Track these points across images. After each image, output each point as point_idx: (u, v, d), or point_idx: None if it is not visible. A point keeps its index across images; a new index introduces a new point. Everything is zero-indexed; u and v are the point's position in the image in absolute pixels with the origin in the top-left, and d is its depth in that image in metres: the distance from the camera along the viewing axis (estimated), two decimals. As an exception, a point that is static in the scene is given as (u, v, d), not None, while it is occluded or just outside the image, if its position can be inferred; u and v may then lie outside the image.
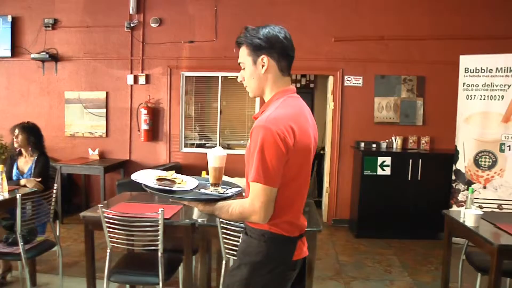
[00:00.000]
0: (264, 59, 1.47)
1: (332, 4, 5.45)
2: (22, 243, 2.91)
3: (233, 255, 2.45)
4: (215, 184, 1.62)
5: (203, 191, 1.61)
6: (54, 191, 3.30)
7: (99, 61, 5.90)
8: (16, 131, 3.66)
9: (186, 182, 1.69)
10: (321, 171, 6.34)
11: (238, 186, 1.65)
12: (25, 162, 3.66)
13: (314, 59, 5.41)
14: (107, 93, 5.89)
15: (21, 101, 6.18)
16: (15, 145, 3.67)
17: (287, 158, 1.37)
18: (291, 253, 1.49)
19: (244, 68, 1.53)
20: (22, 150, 3.70)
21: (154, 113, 5.75)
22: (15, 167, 3.65)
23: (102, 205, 2.51)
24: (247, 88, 1.54)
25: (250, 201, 1.40)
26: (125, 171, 5.79)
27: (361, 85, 5.46)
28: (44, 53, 5.90)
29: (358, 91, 5.47)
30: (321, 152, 6.19)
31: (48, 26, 5.93)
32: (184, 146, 5.88)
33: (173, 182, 1.65)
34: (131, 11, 5.67)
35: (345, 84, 5.48)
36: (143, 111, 5.64)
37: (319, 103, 7.38)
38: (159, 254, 2.52)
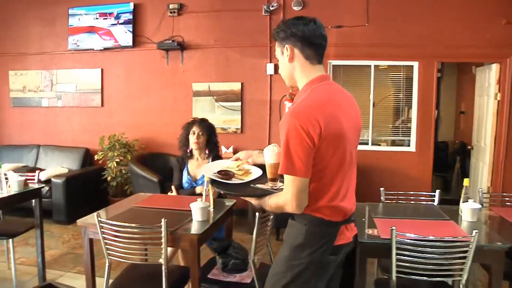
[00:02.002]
0: (288, 48, 1.61)
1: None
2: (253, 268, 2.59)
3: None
4: (273, 180, 1.78)
5: (259, 186, 1.77)
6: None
7: (231, 49, 5.70)
8: (197, 129, 3.43)
9: (251, 174, 1.91)
10: (466, 168, 6.17)
11: None
12: (198, 166, 3.42)
13: (471, 45, 5.14)
14: (242, 84, 5.69)
15: (142, 95, 6.07)
16: (193, 146, 3.46)
17: (315, 149, 1.47)
18: (332, 237, 1.59)
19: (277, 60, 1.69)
20: (194, 151, 3.50)
21: (299, 106, 5.55)
22: (185, 172, 3.43)
23: (98, 213, 2.44)
24: (283, 78, 1.72)
25: (283, 192, 1.55)
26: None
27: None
28: (170, 41, 5.69)
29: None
30: (469, 148, 6.01)
31: (173, 12, 5.74)
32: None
33: (230, 176, 1.88)
34: (270, -7, 5.45)
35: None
36: (288, 104, 5.43)
37: (448, 93, 7.19)
38: (163, 268, 2.37)
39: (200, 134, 3.41)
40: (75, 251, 4.44)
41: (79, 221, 2.65)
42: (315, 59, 1.62)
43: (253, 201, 1.71)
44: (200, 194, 3.08)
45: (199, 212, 2.51)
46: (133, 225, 2.39)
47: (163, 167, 5.48)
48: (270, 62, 5.61)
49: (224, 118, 5.74)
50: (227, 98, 5.72)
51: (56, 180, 5.32)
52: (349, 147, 1.59)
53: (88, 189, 5.69)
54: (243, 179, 1.90)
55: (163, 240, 2.36)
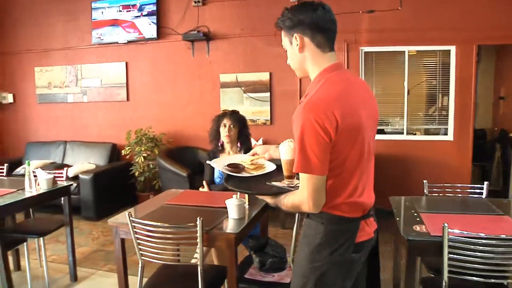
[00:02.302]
0: (297, 37, 1.52)
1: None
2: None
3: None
4: (289, 177, 1.73)
5: (275, 183, 1.73)
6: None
7: (259, 38, 5.58)
8: (228, 122, 3.35)
9: (263, 169, 1.90)
10: (507, 156, 5.89)
11: None
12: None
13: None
14: (270, 74, 5.56)
15: (168, 87, 6.03)
16: (224, 139, 3.38)
17: (332, 144, 1.40)
18: (352, 234, 1.52)
19: (286, 51, 1.61)
20: (226, 145, 3.42)
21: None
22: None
23: (129, 212, 2.34)
24: (294, 70, 1.62)
25: (299, 191, 1.48)
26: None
27: None
28: (195, 32, 5.60)
29: None
30: (511, 135, 5.73)
31: (198, 2, 5.65)
32: (363, 132, 5.50)
33: (240, 169, 1.91)
34: (297, -21, 5.29)
35: None
36: None
37: (485, 78, 6.88)
38: (199, 269, 2.27)
39: (232, 126, 3.34)
40: (105, 248, 4.44)
41: (110, 221, 2.59)
42: (326, 46, 1.55)
43: (268, 199, 1.68)
44: (233, 190, 2.99)
45: (235, 209, 2.44)
46: (166, 225, 2.30)
47: (191, 161, 5.45)
48: (299, 50, 5.42)
49: (253, 109, 5.65)
50: (256, 89, 5.62)
51: (83, 176, 5.33)
52: (367, 139, 1.53)
53: (115, 184, 5.70)
54: (252, 173, 1.91)
55: (198, 240, 2.28)
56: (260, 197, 1.75)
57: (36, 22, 6.53)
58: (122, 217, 2.54)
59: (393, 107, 5.54)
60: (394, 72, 5.44)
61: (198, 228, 2.27)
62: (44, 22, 6.49)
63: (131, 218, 2.37)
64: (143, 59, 6.04)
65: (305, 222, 1.61)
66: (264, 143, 5.62)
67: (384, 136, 5.48)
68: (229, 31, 5.67)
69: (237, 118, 3.40)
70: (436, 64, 5.27)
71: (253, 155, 2.03)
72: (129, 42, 6.00)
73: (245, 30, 5.60)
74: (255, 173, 1.92)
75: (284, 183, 1.74)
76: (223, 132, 3.35)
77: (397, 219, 2.58)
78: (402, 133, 5.40)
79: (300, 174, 1.47)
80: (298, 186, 1.57)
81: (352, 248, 1.53)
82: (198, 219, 2.26)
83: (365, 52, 5.42)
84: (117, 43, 6.06)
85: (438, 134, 5.39)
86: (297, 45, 1.55)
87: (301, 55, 1.56)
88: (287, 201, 1.57)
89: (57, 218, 3.85)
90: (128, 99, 6.18)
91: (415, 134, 5.48)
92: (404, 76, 5.32)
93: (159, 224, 2.30)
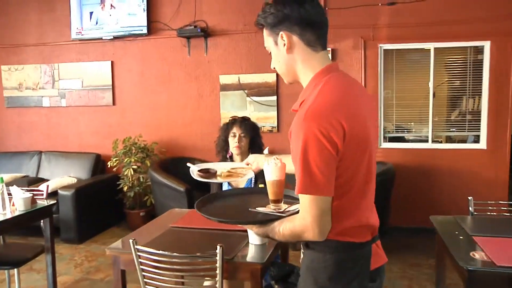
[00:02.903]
0: (283, 36, 1.45)
1: None
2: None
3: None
4: (275, 201, 1.68)
5: (260, 209, 1.68)
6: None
7: (264, 35, 5.41)
8: (238, 131, 3.25)
9: (238, 177, 1.96)
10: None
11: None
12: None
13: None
14: (277, 75, 5.37)
15: (160, 90, 5.90)
16: (234, 150, 3.27)
17: (338, 158, 1.34)
18: (366, 261, 1.46)
19: (270, 53, 1.54)
20: (236, 157, 3.32)
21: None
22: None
23: (133, 240, 2.18)
24: (281, 75, 1.56)
25: (300, 216, 1.40)
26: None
27: None
28: (191, 27, 5.49)
29: None
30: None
31: (195, -7, 5.48)
32: (384, 141, 5.40)
33: (211, 174, 1.98)
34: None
35: None
36: None
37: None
38: None
39: (242, 136, 3.24)
40: (90, 277, 4.23)
41: (109, 249, 2.42)
42: (318, 44, 1.48)
43: (254, 229, 1.60)
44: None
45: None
46: (183, 255, 2.14)
47: (188, 174, 5.17)
48: (310, 48, 5.30)
49: (258, 115, 5.54)
50: (261, 92, 5.52)
51: (63, 192, 5.14)
52: (373, 149, 1.49)
53: (101, 201, 5.55)
54: (219, 180, 2.01)
55: (218, 272, 2.14)
56: (245, 226, 1.68)
57: (4, 12, 6.29)
58: (123, 244, 2.42)
59: (416, 111, 5.43)
60: (418, 72, 5.34)
61: (218, 258, 2.12)
62: (14, 12, 6.26)
63: (135, 247, 2.21)
64: (132, 57, 5.90)
65: (305, 254, 1.53)
66: (270, 153, 5.49)
67: (405, 145, 5.37)
68: (230, 26, 5.55)
69: (248, 127, 3.30)
70: (466, 62, 5.15)
71: (247, 164, 2.04)
72: (115, 38, 5.86)
73: (248, 25, 5.47)
74: (223, 180, 2.01)
75: (269, 208, 1.68)
76: (232, 142, 3.25)
77: (446, 242, 2.42)
78: (427, 140, 5.28)
79: (301, 196, 1.38)
80: (289, 211, 1.55)
81: (368, 277, 1.47)
82: (218, 247, 2.10)
83: (384, 49, 5.31)
84: (101, 39, 5.90)
85: (465, 141, 5.26)
86: (284, 45, 1.47)
87: (289, 57, 1.49)
88: (283, 229, 1.48)
89: (34, 243, 3.64)
90: (114, 103, 6.04)
91: (440, 142, 5.35)
92: (429, 76, 5.22)
93: (174, 254, 2.14)
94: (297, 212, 1.49)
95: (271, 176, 1.69)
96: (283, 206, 1.67)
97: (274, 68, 1.57)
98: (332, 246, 1.44)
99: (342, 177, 1.38)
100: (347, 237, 1.44)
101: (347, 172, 1.38)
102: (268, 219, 1.57)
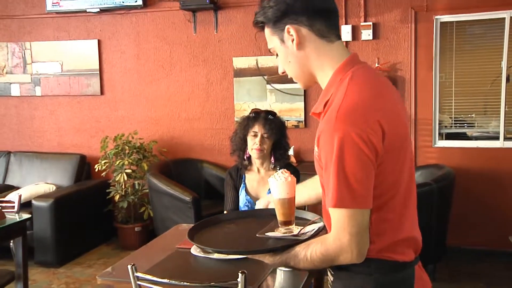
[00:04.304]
0: (290, 30, 1.51)
1: None
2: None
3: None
4: (285, 223, 1.73)
5: (270, 234, 1.71)
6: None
7: (288, 6, 5.41)
8: (261, 130, 3.27)
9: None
10: None
11: (317, 220, 1.75)
12: (260, 182, 3.37)
13: None
14: None
15: (160, 76, 5.94)
16: (253, 154, 3.31)
17: (378, 164, 1.39)
18: (410, 285, 1.51)
19: (277, 55, 1.60)
20: (255, 160, 3.38)
21: (390, 86, 5.26)
22: (242, 190, 3.36)
23: (133, 265, 2.17)
24: (294, 79, 1.62)
25: (334, 235, 1.43)
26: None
27: None
28: (197, -3, 5.51)
29: None
30: None
31: (202, -47, 5.52)
32: (439, 138, 5.36)
33: None
34: None
35: None
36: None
37: None
38: None
39: (265, 136, 3.27)
40: (73, 308, 4.25)
41: (100, 278, 2.46)
42: (332, 34, 1.53)
43: (267, 259, 1.58)
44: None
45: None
46: (195, 284, 2.15)
47: (196, 180, 5.41)
48: (346, 23, 5.33)
49: (280, 106, 5.55)
50: (284, 78, 5.40)
51: (39, 203, 5.16)
52: (412, 154, 1.57)
53: (86, 214, 5.57)
54: (226, 257, 2.33)
55: None
56: (256, 257, 1.63)
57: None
58: (119, 271, 2.46)
59: (481, 100, 5.41)
60: (485, 50, 5.30)
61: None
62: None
63: (136, 274, 2.20)
64: (124, 36, 5.91)
65: (336, 278, 1.57)
66: (296, 153, 5.51)
67: (468, 143, 5.33)
68: (245, -3, 5.58)
69: (274, 126, 3.32)
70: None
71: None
72: (102, 11, 5.89)
73: (269, -6, 5.45)
74: (222, 256, 2.33)
75: (280, 232, 1.71)
76: (252, 143, 3.28)
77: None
78: (497, 138, 5.23)
79: (334, 211, 1.42)
80: (305, 234, 1.62)
81: None
82: (239, 274, 2.09)
83: (441, 22, 5.28)
84: (85, 12, 5.93)
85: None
86: (293, 40, 1.52)
87: (300, 54, 1.54)
88: (312, 254, 1.48)
89: (1, 270, 3.65)
90: (102, 92, 6.06)
91: (512, 139, 5.31)
92: (502, 54, 5.15)
93: (184, 283, 2.13)
94: (317, 234, 1.60)
95: (280, 193, 1.72)
96: (295, 229, 1.71)
97: (284, 72, 1.62)
98: (373, 266, 1.47)
99: (383, 184, 1.43)
100: (391, 254, 1.48)
101: (388, 179, 1.44)
102: (285, 245, 1.57)
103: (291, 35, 1.51)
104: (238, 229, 1.91)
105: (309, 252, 1.49)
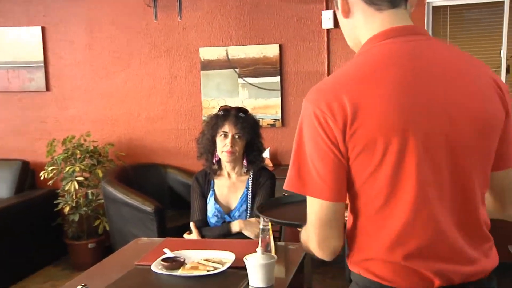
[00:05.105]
0: None
1: None
2: None
3: None
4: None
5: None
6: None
7: (262, -9, 5.50)
8: (232, 130, 3.33)
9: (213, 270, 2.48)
10: None
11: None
12: (230, 188, 3.44)
13: None
14: (280, 47, 5.49)
15: (116, 69, 5.90)
16: (224, 157, 3.36)
17: (346, 155, 1.42)
18: None
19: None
20: (225, 164, 3.43)
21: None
22: (211, 198, 3.41)
23: (84, 286, 2.34)
24: (352, 48, 1.69)
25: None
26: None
27: None
28: (158, -21, 5.49)
29: None
30: None
31: None
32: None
33: (175, 265, 2.56)
34: None
35: None
36: None
37: None
38: None
39: (237, 137, 3.33)
40: None
41: None
42: (383, 0, 1.52)
43: None
44: (241, 235, 3.19)
45: (262, 271, 2.34)
46: None
47: (159, 188, 5.42)
48: (327, 8, 5.36)
49: (254, 103, 5.56)
50: (258, 71, 5.52)
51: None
52: (440, 155, 1.45)
53: (30, 229, 5.51)
54: (191, 273, 2.48)
55: None
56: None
57: None
58: None
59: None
60: (482, 37, 5.38)
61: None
62: None
63: None
64: (73, 22, 5.86)
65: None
66: (273, 156, 5.52)
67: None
68: (214, -21, 5.61)
69: (246, 124, 3.38)
70: None
71: None
72: (47, -7, 5.84)
73: (241, -24, 5.55)
74: (186, 273, 2.50)
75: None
76: (222, 144, 3.33)
77: None
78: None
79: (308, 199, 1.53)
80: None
81: None
82: None
83: (433, 6, 5.33)
84: (26, -6, 5.88)
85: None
86: (340, 8, 1.59)
87: (349, 22, 1.61)
88: (301, 238, 1.65)
89: None
90: (48, 88, 6.02)
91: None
92: (501, 43, 5.21)
93: None
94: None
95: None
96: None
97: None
98: (360, 280, 1.54)
99: (357, 181, 1.46)
100: (370, 273, 1.50)
101: (363, 175, 1.44)
102: None
103: (340, 1, 1.58)
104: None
105: (301, 234, 1.64)
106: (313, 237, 1.51)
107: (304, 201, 1.56)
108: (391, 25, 1.52)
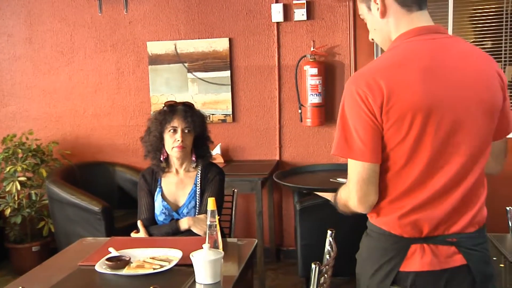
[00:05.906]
0: None
1: None
2: None
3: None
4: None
5: (340, 180, 2.39)
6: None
7: (211, -17, 5.48)
8: (181, 125, 3.33)
9: (155, 268, 2.52)
10: None
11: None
12: (178, 185, 3.44)
13: None
14: (230, 41, 5.49)
15: (59, 64, 5.83)
16: (174, 153, 3.35)
17: (382, 126, 1.74)
18: (396, 256, 1.82)
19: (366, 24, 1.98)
20: (174, 160, 3.43)
21: (328, 73, 5.36)
22: (158, 196, 3.40)
23: None
24: (380, 46, 2.01)
25: (347, 181, 1.88)
26: (273, 185, 5.44)
27: None
28: (102, -28, 5.46)
29: None
30: None
31: None
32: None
33: (124, 262, 2.58)
34: None
35: None
36: (310, 70, 5.22)
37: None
38: None
39: (187, 131, 3.33)
40: None
41: None
42: (414, 3, 1.83)
43: (330, 197, 2.11)
44: (190, 232, 3.19)
45: (209, 268, 2.38)
46: None
47: (106, 187, 5.37)
48: (277, 1, 5.36)
49: (204, 98, 5.57)
50: (207, 66, 5.52)
51: None
52: (449, 126, 1.75)
53: None
54: (137, 272, 2.49)
55: None
56: (321, 194, 2.31)
57: None
58: None
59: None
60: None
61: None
62: None
63: None
64: (11, 14, 5.77)
65: None
66: (224, 151, 5.53)
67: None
68: (160, -29, 5.56)
69: (195, 118, 3.39)
70: (502, 13, 5.19)
71: None
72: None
73: (189, -33, 5.50)
74: (131, 273, 2.51)
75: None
76: (171, 140, 3.32)
77: None
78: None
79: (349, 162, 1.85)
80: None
81: (393, 276, 1.81)
82: None
83: None
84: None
85: None
86: (378, 9, 1.84)
87: (383, 22, 1.88)
88: (339, 196, 1.97)
89: None
90: (-15, 84, 5.90)
91: None
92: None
93: None
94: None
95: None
96: None
97: (373, 39, 1.98)
98: (368, 225, 1.95)
99: (388, 147, 1.78)
100: (377, 220, 1.88)
101: (393, 142, 1.76)
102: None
103: (377, 3, 1.83)
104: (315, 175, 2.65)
105: (339, 194, 1.96)
106: (354, 194, 1.82)
107: (314, 171, 2.30)
108: (417, 25, 1.82)
